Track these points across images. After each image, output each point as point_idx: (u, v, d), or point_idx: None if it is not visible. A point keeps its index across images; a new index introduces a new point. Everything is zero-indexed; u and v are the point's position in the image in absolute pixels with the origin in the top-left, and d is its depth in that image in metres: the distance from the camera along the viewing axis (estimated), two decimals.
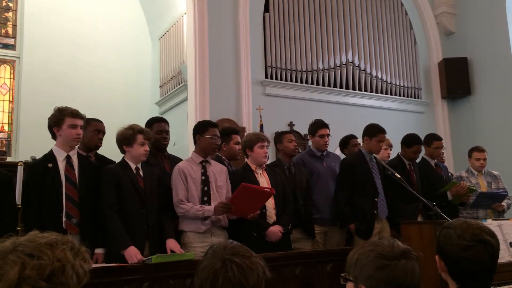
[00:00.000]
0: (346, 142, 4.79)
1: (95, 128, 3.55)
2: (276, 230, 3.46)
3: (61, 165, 3.00)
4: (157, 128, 3.64)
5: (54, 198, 2.92)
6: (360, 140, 4.43)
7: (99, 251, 2.99)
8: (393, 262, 1.28)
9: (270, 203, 3.54)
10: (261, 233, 3.44)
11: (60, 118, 3.01)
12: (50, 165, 2.97)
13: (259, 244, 3.21)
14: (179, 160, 3.64)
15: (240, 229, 3.44)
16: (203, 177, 3.36)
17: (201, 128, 3.47)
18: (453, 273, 1.58)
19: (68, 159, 3.04)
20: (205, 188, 3.34)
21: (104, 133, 3.62)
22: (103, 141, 3.65)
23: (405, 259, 1.29)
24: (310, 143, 4.52)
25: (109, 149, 3.63)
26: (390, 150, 4.94)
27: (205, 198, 3.32)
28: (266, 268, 1.21)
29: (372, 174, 4.04)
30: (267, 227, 3.46)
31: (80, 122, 3.06)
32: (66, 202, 2.94)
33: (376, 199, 3.97)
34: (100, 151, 3.69)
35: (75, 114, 3.04)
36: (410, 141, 4.48)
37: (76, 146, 3.16)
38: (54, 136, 3.08)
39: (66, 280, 0.97)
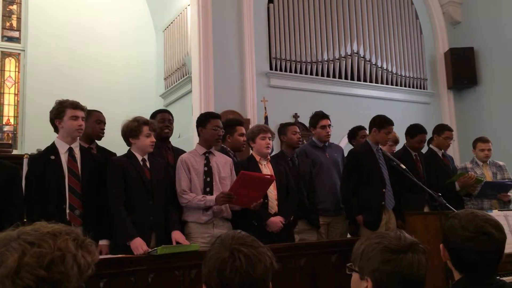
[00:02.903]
0: (355, 133, 4.76)
1: (96, 119, 3.58)
2: (277, 220, 3.44)
3: (64, 157, 3.00)
4: (160, 118, 3.70)
5: (57, 190, 2.92)
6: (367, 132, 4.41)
7: (103, 242, 3.00)
8: (399, 256, 1.27)
9: (273, 194, 3.53)
10: (261, 222, 3.42)
11: (61, 110, 3.01)
12: (52, 157, 2.97)
13: (260, 235, 3.18)
14: (183, 152, 3.63)
15: (241, 219, 3.42)
16: (206, 168, 3.35)
17: (203, 120, 3.47)
18: (455, 263, 1.58)
19: (71, 151, 3.04)
20: (208, 179, 3.33)
21: (105, 123, 3.66)
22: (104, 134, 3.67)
23: (411, 252, 1.28)
24: None
25: (110, 141, 3.66)
26: (395, 146, 4.90)
27: (208, 189, 3.31)
28: (274, 259, 1.20)
29: (379, 165, 3.99)
30: (268, 217, 3.45)
31: (81, 114, 3.06)
32: (69, 194, 2.94)
33: (384, 190, 3.93)
34: (101, 143, 3.70)
35: (75, 105, 3.05)
36: (413, 131, 4.45)
37: (78, 138, 3.15)
38: (56, 129, 3.09)
39: (66, 269, 0.97)
